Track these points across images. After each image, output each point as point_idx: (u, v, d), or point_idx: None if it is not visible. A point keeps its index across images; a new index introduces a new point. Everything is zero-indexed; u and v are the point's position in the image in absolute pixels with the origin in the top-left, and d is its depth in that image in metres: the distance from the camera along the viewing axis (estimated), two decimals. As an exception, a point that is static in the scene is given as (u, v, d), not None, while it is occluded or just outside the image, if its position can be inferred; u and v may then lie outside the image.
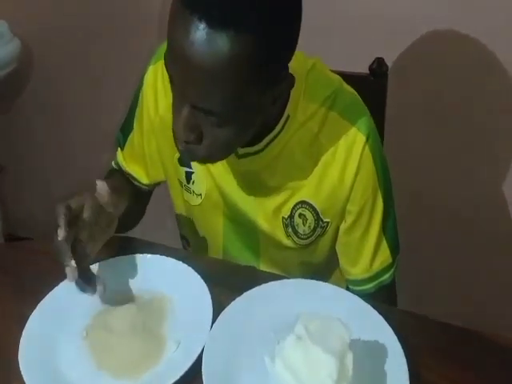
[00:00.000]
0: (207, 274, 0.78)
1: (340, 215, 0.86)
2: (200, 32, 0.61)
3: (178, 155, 0.89)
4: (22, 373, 0.67)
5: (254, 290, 0.75)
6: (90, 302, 0.76)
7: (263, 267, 0.95)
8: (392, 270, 0.90)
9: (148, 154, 0.95)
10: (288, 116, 0.80)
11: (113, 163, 1.03)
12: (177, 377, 0.65)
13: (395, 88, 1.09)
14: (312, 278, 0.95)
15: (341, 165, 0.81)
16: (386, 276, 0.89)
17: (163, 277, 0.79)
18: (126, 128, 0.97)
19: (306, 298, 0.76)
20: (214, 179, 0.88)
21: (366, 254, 0.87)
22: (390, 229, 0.88)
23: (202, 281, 0.77)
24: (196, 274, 0.78)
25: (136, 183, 1.00)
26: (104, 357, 0.71)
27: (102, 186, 0.75)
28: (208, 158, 0.76)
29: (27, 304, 0.76)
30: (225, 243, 0.96)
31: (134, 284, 0.80)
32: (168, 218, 1.15)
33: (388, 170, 0.87)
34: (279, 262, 0.95)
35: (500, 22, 1.16)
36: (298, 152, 0.82)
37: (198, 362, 0.67)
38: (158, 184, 1.02)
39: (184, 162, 0.88)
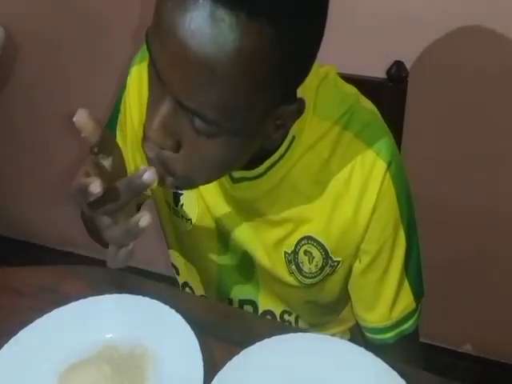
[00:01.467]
0: (198, 322, 0.66)
1: (354, 255, 0.73)
2: (202, 8, 0.47)
3: None
4: None
5: (254, 346, 0.62)
6: (54, 354, 0.63)
7: (263, 301, 0.83)
8: (415, 316, 0.77)
9: (134, 167, 0.80)
10: (293, 137, 0.66)
11: None
12: None
13: (416, 95, 0.98)
14: (319, 317, 0.84)
15: (356, 197, 0.68)
16: (409, 324, 0.76)
17: (144, 325, 0.66)
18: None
19: (318, 359, 0.62)
20: (205, 202, 0.75)
21: (386, 299, 0.74)
22: (414, 268, 0.75)
23: (191, 332, 0.64)
24: (184, 322, 0.65)
25: None
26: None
27: (81, 113, 0.55)
28: (185, 178, 0.58)
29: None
30: (220, 274, 0.83)
31: (111, 332, 0.67)
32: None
33: (412, 198, 0.73)
34: (281, 298, 0.82)
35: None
36: (305, 179, 0.68)
37: None
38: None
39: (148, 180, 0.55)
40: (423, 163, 1.18)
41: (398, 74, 0.97)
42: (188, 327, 0.65)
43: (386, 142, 0.67)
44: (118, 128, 0.81)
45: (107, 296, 0.70)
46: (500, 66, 1.10)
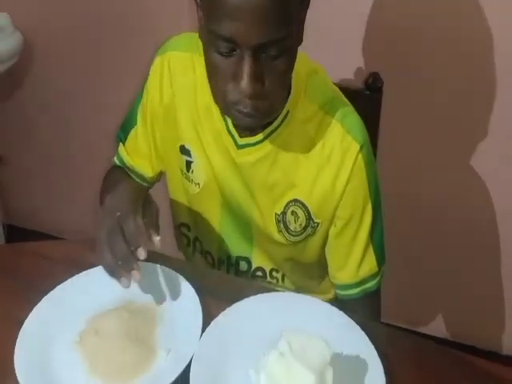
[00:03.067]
0: (199, 284, 0.82)
1: (330, 219, 0.90)
2: None
3: (180, 143, 0.93)
4: (17, 374, 0.70)
5: (243, 301, 0.79)
6: (83, 306, 0.80)
7: (255, 259, 1.00)
8: (378, 278, 0.95)
9: (153, 144, 0.98)
10: (288, 111, 0.85)
11: (115, 159, 1.05)
12: (166, 383, 0.69)
13: (390, 102, 1.12)
14: (302, 278, 1.00)
15: (334, 170, 0.86)
16: (372, 283, 0.94)
17: (155, 285, 0.83)
18: (128, 123, 1.00)
19: (293, 311, 0.79)
20: (212, 170, 0.93)
21: (354, 260, 0.92)
22: (378, 239, 0.93)
23: (193, 291, 0.80)
24: (188, 283, 0.81)
25: (138, 179, 1.01)
26: (95, 363, 0.74)
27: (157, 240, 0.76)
28: (271, 108, 0.77)
29: (23, 307, 0.79)
30: (221, 232, 1.00)
31: (127, 290, 0.82)
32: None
33: (379, 182, 0.91)
34: (271, 255, 0.99)
35: (493, 34, 1.20)
36: (295, 150, 0.87)
37: (187, 370, 0.70)
38: (158, 179, 1.04)
39: (238, 124, 0.85)
40: (397, 162, 1.33)
41: (374, 84, 1.11)
42: (191, 288, 0.81)
43: (361, 131, 0.86)
44: (139, 112, 0.97)
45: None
46: (463, 78, 1.26)
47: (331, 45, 0.96)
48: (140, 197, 0.79)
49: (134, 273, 0.73)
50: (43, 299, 0.81)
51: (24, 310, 0.79)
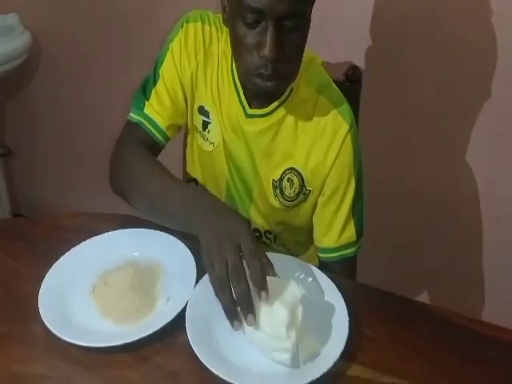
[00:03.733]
0: (193, 246, 0.94)
1: (320, 188, 1.06)
2: None
3: (199, 104, 1.07)
4: (42, 317, 0.85)
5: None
6: (94, 264, 0.95)
7: (254, 220, 1.15)
8: (356, 246, 1.10)
9: (175, 100, 1.06)
10: (292, 89, 1.01)
11: (132, 115, 1.08)
12: (164, 323, 0.83)
13: (368, 92, 1.27)
14: (291, 242, 1.18)
15: (327, 144, 1.02)
16: (350, 250, 1.09)
17: (157, 247, 0.97)
18: (152, 81, 1.07)
19: (276, 266, 0.93)
20: (223, 135, 1.07)
21: (336, 227, 1.07)
22: (359, 212, 1.08)
23: (188, 251, 0.95)
24: (184, 245, 0.96)
25: (157, 134, 1.06)
26: (107, 308, 0.89)
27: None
28: (288, 73, 0.92)
29: (43, 267, 0.93)
30: (226, 191, 1.14)
31: (134, 252, 0.98)
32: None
33: (362, 163, 1.07)
34: (266, 218, 1.14)
35: (467, 29, 1.34)
36: (295, 124, 1.03)
37: (183, 314, 0.85)
38: (174, 135, 1.10)
39: (257, 90, 0.94)
40: (376, 147, 1.47)
41: (353, 75, 1.25)
42: (186, 248, 0.95)
43: (350, 114, 1.04)
44: (164, 68, 1.05)
45: (133, 229, 1.01)
46: (438, 67, 1.40)
47: (314, 39, 1.10)
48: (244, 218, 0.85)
49: (250, 317, 0.76)
50: (60, 258, 0.95)
51: (44, 268, 0.93)
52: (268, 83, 0.91)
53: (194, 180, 1.18)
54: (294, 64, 0.93)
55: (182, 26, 1.05)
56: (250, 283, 0.77)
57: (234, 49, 0.94)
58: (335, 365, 0.78)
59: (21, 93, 2.10)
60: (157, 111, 1.06)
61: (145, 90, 1.08)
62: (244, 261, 0.78)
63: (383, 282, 1.03)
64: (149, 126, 1.06)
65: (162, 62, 1.07)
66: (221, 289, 0.78)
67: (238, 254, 0.78)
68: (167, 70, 1.06)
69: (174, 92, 1.06)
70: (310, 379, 0.75)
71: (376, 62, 1.43)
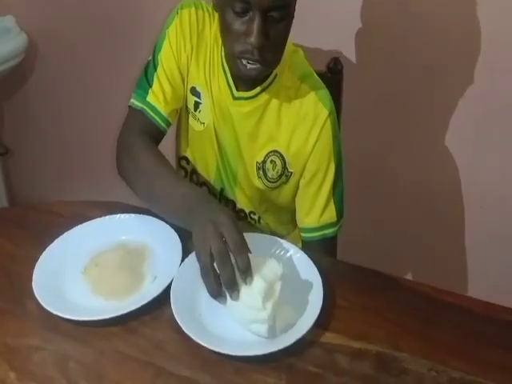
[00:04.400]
0: (179, 229, 1.01)
1: (301, 170, 1.13)
2: None
3: (192, 85, 1.13)
4: (36, 295, 0.91)
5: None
6: (86, 247, 1.01)
7: (239, 202, 1.23)
8: (336, 227, 1.17)
9: (174, 83, 1.12)
10: (276, 75, 1.08)
11: (134, 101, 1.13)
12: (150, 298, 0.90)
13: (349, 83, 1.33)
14: (274, 222, 1.26)
15: (307, 128, 1.09)
16: (331, 230, 1.16)
17: (145, 230, 1.04)
18: (152, 68, 1.12)
19: (259, 246, 0.97)
20: (213, 117, 1.14)
21: (317, 207, 1.14)
22: (338, 194, 1.15)
23: (174, 233, 1.01)
24: (170, 228, 1.02)
25: (158, 119, 1.11)
26: (98, 286, 0.95)
27: None
28: (272, 60, 1.01)
29: (38, 250, 1.00)
30: (216, 170, 1.22)
31: (122, 236, 1.05)
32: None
33: (341, 147, 1.14)
34: (250, 199, 1.22)
35: (441, 21, 1.41)
36: (279, 108, 1.10)
37: (168, 290, 0.92)
38: (174, 120, 1.16)
39: (242, 73, 1.01)
40: (357, 135, 1.53)
41: (335, 67, 1.32)
42: (173, 230, 1.02)
43: (329, 101, 1.11)
44: (162, 54, 1.11)
45: (122, 215, 1.08)
46: (417, 59, 1.47)
47: (297, 33, 1.17)
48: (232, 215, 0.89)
49: (235, 294, 0.84)
50: (54, 242, 1.02)
51: (39, 251, 1.00)
52: (252, 67, 0.99)
53: (185, 158, 1.25)
54: (278, 51, 1.01)
55: (177, 13, 1.12)
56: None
57: (222, 33, 1.01)
58: (309, 332, 0.84)
59: (17, 93, 2.16)
60: (159, 99, 1.11)
61: (147, 76, 1.13)
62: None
63: (365, 260, 1.10)
64: (152, 114, 1.11)
65: (160, 48, 1.13)
66: (206, 276, 0.85)
67: (221, 240, 0.84)
68: (166, 56, 1.12)
69: (173, 77, 1.12)
70: (284, 345, 0.82)
71: (359, 54, 1.51)
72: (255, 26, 0.93)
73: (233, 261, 0.84)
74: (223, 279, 0.84)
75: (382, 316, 0.90)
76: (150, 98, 1.11)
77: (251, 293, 0.84)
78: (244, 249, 0.84)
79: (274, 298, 0.85)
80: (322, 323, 0.87)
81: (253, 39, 0.94)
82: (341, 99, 1.34)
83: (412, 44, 1.46)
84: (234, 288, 0.84)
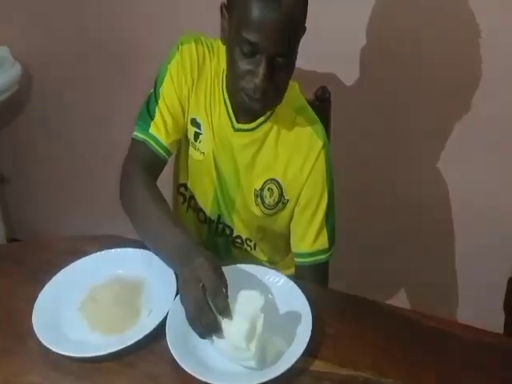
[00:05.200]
0: None
1: (296, 197, 1.20)
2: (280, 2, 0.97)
3: (192, 117, 1.19)
4: (36, 332, 0.96)
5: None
6: (83, 282, 1.06)
7: (236, 229, 1.29)
8: (328, 253, 1.23)
9: (175, 115, 1.18)
10: (274, 109, 1.16)
11: (137, 134, 1.19)
12: (147, 332, 0.95)
13: (336, 110, 1.40)
14: (270, 249, 1.32)
15: (303, 158, 1.16)
16: (323, 256, 1.22)
17: (140, 264, 1.09)
18: (153, 100, 1.18)
19: (250, 277, 1.05)
20: (213, 147, 1.20)
21: (311, 234, 1.20)
22: (331, 222, 1.22)
23: (168, 268, 1.06)
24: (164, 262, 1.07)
25: (160, 150, 1.17)
26: (95, 321, 1.00)
27: None
28: (274, 100, 1.08)
29: (36, 286, 1.05)
30: (215, 193, 1.27)
31: (118, 270, 1.09)
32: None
33: (334, 178, 1.21)
34: (247, 226, 1.28)
35: (428, 48, 1.48)
36: (276, 140, 1.17)
37: (164, 323, 0.96)
38: (175, 150, 1.23)
39: (244, 107, 1.10)
40: (345, 159, 1.57)
41: (322, 95, 1.38)
42: (167, 266, 1.06)
43: (323, 133, 1.18)
44: (163, 88, 1.17)
45: (118, 249, 1.13)
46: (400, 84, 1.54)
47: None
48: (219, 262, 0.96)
49: (219, 334, 0.91)
50: (52, 279, 1.07)
51: (37, 288, 1.04)
52: (255, 104, 1.06)
53: (184, 185, 1.31)
54: (280, 93, 1.08)
55: (178, 49, 1.18)
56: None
57: (228, 67, 1.08)
58: (299, 361, 0.89)
59: (13, 122, 2.22)
60: (160, 130, 1.17)
61: (149, 109, 1.19)
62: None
63: (357, 284, 1.15)
64: (154, 145, 1.17)
65: (161, 83, 1.18)
66: (191, 323, 0.92)
67: (198, 288, 0.91)
68: (167, 90, 1.18)
69: (174, 110, 1.18)
70: (275, 375, 0.87)
71: (343, 82, 1.57)
72: (261, 68, 1.00)
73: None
74: (204, 325, 0.90)
75: (367, 342, 0.95)
76: (152, 130, 1.17)
77: (235, 334, 0.89)
78: (219, 293, 0.90)
79: (258, 335, 0.89)
80: (310, 351, 0.91)
81: (258, 81, 1.00)
82: (329, 126, 1.40)
83: (399, 69, 1.52)
84: (214, 332, 0.91)
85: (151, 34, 1.74)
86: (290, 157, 1.17)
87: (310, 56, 1.53)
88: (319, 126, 1.19)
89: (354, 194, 1.61)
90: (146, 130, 1.18)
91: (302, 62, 1.50)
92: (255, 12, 0.97)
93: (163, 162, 1.19)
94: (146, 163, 1.16)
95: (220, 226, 1.30)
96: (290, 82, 1.17)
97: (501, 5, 1.36)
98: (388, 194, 1.67)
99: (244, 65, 1.02)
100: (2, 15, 2.02)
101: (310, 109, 1.21)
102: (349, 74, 1.56)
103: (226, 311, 0.90)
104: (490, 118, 1.48)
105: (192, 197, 1.31)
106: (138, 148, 1.18)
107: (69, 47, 1.95)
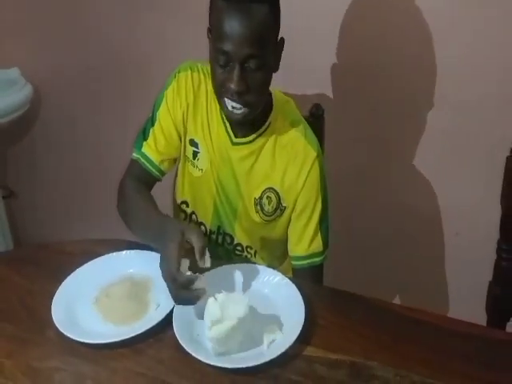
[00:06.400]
0: None
1: (293, 204, 1.31)
2: (248, 10, 1.10)
3: (190, 137, 1.32)
4: (55, 323, 1.07)
5: (211, 271, 1.16)
6: (96, 281, 1.18)
7: (237, 237, 1.40)
8: (323, 256, 1.34)
9: (170, 138, 1.32)
10: (270, 123, 1.27)
11: (134, 155, 1.34)
12: (155, 323, 1.07)
13: (329, 126, 1.52)
14: (269, 255, 1.42)
15: (298, 168, 1.28)
16: (318, 259, 1.34)
17: (148, 264, 1.19)
18: (149, 125, 1.33)
19: (250, 276, 1.17)
20: (212, 162, 1.33)
21: (306, 238, 1.32)
22: (325, 227, 1.33)
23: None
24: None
25: (153, 170, 1.32)
26: (108, 314, 1.12)
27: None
28: (253, 104, 1.17)
29: (53, 285, 1.17)
30: (214, 210, 1.39)
31: (129, 269, 1.22)
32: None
33: (327, 186, 1.33)
34: (248, 233, 1.39)
35: (420, 63, 1.60)
36: (273, 151, 1.29)
37: (170, 316, 1.08)
38: (170, 169, 1.36)
39: (231, 117, 1.22)
40: (337, 174, 1.66)
41: (316, 112, 1.49)
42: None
43: (317, 145, 1.30)
44: (159, 114, 1.32)
45: (127, 251, 1.25)
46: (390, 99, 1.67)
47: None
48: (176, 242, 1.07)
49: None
50: (67, 278, 1.18)
51: (53, 286, 1.16)
52: (237, 112, 1.17)
53: (185, 202, 1.43)
54: (258, 95, 1.17)
55: (175, 77, 1.32)
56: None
57: (212, 80, 1.21)
58: (292, 347, 1.01)
59: (22, 139, 2.33)
60: (152, 149, 1.32)
61: (144, 131, 1.34)
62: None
63: (352, 284, 1.25)
64: (145, 162, 1.33)
65: (158, 107, 1.33)
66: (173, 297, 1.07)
67: (166, 279, 1.06)
68: (163, 114, 1.32)
69: (168, 132, 1.32)
70: (270, 358, 0.99)
71: (336, 99, 1.70)
72: (234, 74, 1.12)
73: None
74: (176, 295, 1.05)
75: (356, 332, 1.07)
76: (144, 149, 1.33)
77: (207, 313, 1.02)
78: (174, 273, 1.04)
79: (223, 330, 1.00)
80: (303, 339, 1.03)
81: (233, 85, 1.12)
82: (323, 141, 1.52)
83: (391, 87, 1.65)
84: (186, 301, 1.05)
85: (160, 56, 1.87)
86: (286, 167, 1.28)
87: (305, 74, 1.68)
88: (313, 138, 1.31)
89: (346, 203, 1.73)
90: (139, 149, 1.34)
91: (297, 80, 1.66)
92: (225, 23, 1.10)
93: (154, 179, 1.35)
94: (140, 179, 1.33)
95: (220, 237, 1.42)
96: (286, 98, 1.33)
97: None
98: (380, 203, 1.79)
99: (221, 74, 1.14)
100: (13, 37, 2.14)
101: (304, 122, 1.33)
102: (342, 91, 1.70)
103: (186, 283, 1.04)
104: (485, 127, 1.59)
105: (193, 212, 1.43)
106: (133, 166, 1.35)
107: (78, 69, 2.07)
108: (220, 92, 1.18)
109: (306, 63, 1.67)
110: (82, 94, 2.12)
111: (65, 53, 2.08)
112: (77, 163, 2.29)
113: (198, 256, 1.06)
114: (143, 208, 1.24)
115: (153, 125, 1.33)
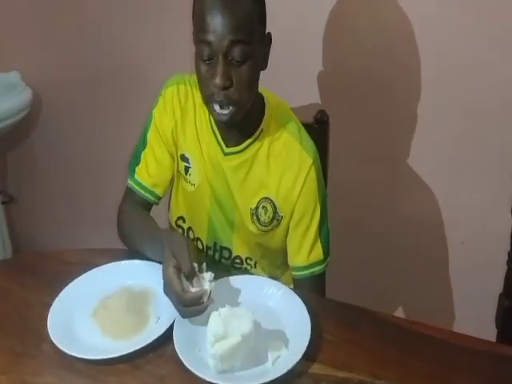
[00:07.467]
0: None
1: (290, 213, 1.26)
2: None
3: (181, 153, 1.28)
4: (51, 337, 1.03)
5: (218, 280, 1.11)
6: (94, 292, 1.14)
7: (235, 248, 1.36)
8: (323, 265, 1.29)
9: (160, 158, 1.30)
10: (262, 129, 1.23)
11: (129, 182, 1.33)
12: (155, 337, 1.02)
13: (334, 132, 1.48)
14: (269, 266, 1.38)
15: (294, 175, 1.23)
16: (318, 268, 1.29)
17: (148, 275, 1.16)
18: (141, 146, 1.31)
19: (252, 288, 1.13)
20: (205, 174, 1.28)
21: (306, 247, 1.27)
22: (325, 235, 1.28)
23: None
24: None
25: (149, 196, 1.31)
26: (106, 327, 1.07)
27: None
28: (239, 100, 1.10)
29: (49, 295, 1.12)
30: (210, 224, 1.35)
31: (128, 280, 1.17)
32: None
33: (325, 192, 1.28)
34: (246, 244, 1.34)
35: (424, 71, 1.56)
36: (266, 159, 1.24)
37: (171, 329, 1.04)
38: (166, 192, 1.34)
39: (220, 119, 1.15)
40: (342, 180, 1.66)
41: (321, 118, 1.46)
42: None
43: (313, 151, 1.24)
44: (149, 135, 1.29)
45: (126, 261, 1.21)
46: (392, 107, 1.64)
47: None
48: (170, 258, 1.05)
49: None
50: (65, 288, 1.14)
51: (50, 297, 1.12)
52: (224, 112, 1.11)
53: (182, 217, 1.39)
54: (244, 92, 1.11)
55: (161, 94, 1.28)
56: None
57: (197, 79, 1.15)
58: (298, 364, 0.96)
59: (22, 144, 2.31)
60: (144, 174, 1.30)
61: (136, 155, 1.32)
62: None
63: (355, 296, 1.22)
64: (138, 189, 1.31)
65: (148, 128, 1.30)
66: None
67: (176, 305, 1.04)
68: (153, 136, 1.29)
69: (159, 154, 1.29)
70: (275, 376, 0.94)
71: (341, 106, 1.66)
72: (218, 68, 1.07)
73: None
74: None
75: (362, 347, 1.02)
76: (137, 175, 1.31)
77: (210, 328, 0.97)
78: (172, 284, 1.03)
79: (227, 346, 0.95)
80: (309, 355, 0.99)
81: (217, 80, 1.07)
82: (327, 147, 1.48)
83: (395, 94, 1.62)
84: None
85: (161, 61, 1.85)
86: (281, 174, 1.23)
87: (309, 80, 1.65)
88: (308, 143, 1.24)
89: (351, 211, 1.69)
90: (132, 176, 1.32)
91: (301, 86, 1.63)
92: (207, 12, 1.06)
93: (149, 203, 1.33)
94: (137, 205, 1.32)
95: (217, 254, 1.37)
96: (278, 101, 1.27)
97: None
98: (385, 212, 1.75)
99: (205, 70, 1.09)
100: (14, 41, 2.13)
101: (299, 125, 1.27)
102: (347, 97, 1.66)
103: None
104: (494, 135, 1.55)
105: (190, 228, 1.39)
106: (128, 193, 1.34)
107: (79, 73, 2.05)
108: (207, 95, 1.12)
109: (311, 66, 1.64)
110: (82, 97, 2.10)
111: (65, 57, 2.07)
112: (77, 167, 2.26)
113: (189, 280, 1.04)
114: (139, 229, 1.25)
115: (144, 147, 1.31)
